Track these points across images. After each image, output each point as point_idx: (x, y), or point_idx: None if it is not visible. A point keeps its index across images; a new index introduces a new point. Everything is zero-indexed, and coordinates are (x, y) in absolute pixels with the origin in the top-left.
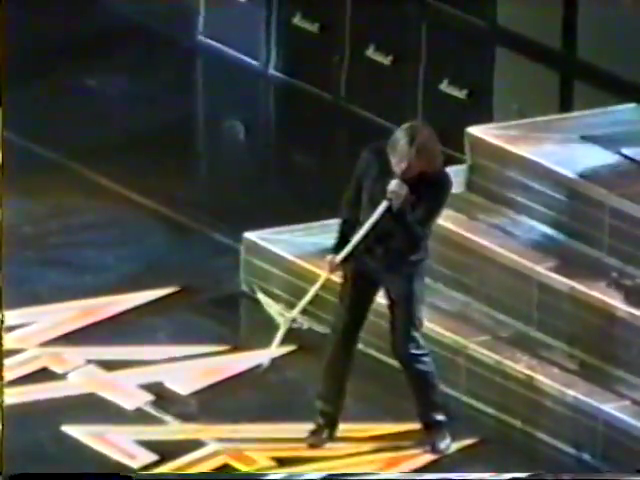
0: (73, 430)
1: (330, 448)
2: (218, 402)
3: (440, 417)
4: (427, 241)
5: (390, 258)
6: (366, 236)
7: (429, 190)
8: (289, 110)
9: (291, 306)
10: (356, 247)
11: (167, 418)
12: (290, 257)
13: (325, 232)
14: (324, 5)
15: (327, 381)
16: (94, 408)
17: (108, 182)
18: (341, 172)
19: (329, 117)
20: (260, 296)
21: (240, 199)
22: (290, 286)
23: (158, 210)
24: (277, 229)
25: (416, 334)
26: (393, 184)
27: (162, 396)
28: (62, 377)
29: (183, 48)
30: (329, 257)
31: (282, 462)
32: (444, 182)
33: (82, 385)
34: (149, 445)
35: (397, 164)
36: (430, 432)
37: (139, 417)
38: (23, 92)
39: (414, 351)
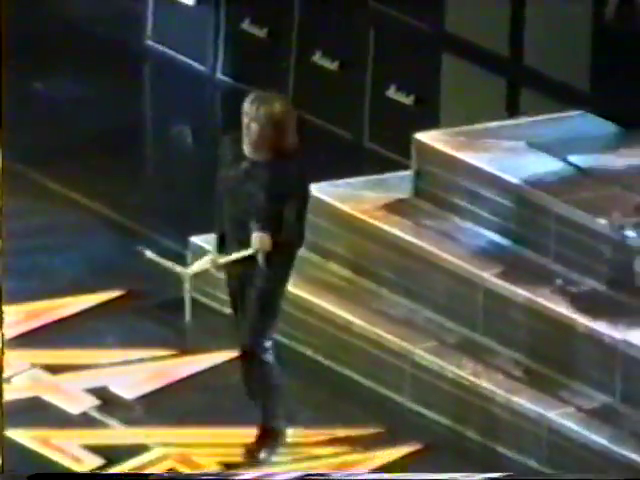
0: (17, 434)
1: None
2: (164, 406)
3: (279, 425)
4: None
5: (252, 271)
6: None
7: (289, 176)
8: (237, 115)
9: None
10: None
11: (112, 422)
12: None
13: None
14: (272, 10)
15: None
16: (39, 412)
17: (55, 185)
18: None
19: None
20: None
21: (187, 204)
22: None
23: (105, 214)
24: None
25: (270, 324)
26: (255, 237)
27: (107, 400)
28: (6, 381)
29: (131, 52)
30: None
31: (229, 467)
32: (301, 169)
33: (26, 389)
34: (95, 449)
35: (245, 127)
36: (265, 439)
37: (84, 421)
38: None
39: (264, 339)
